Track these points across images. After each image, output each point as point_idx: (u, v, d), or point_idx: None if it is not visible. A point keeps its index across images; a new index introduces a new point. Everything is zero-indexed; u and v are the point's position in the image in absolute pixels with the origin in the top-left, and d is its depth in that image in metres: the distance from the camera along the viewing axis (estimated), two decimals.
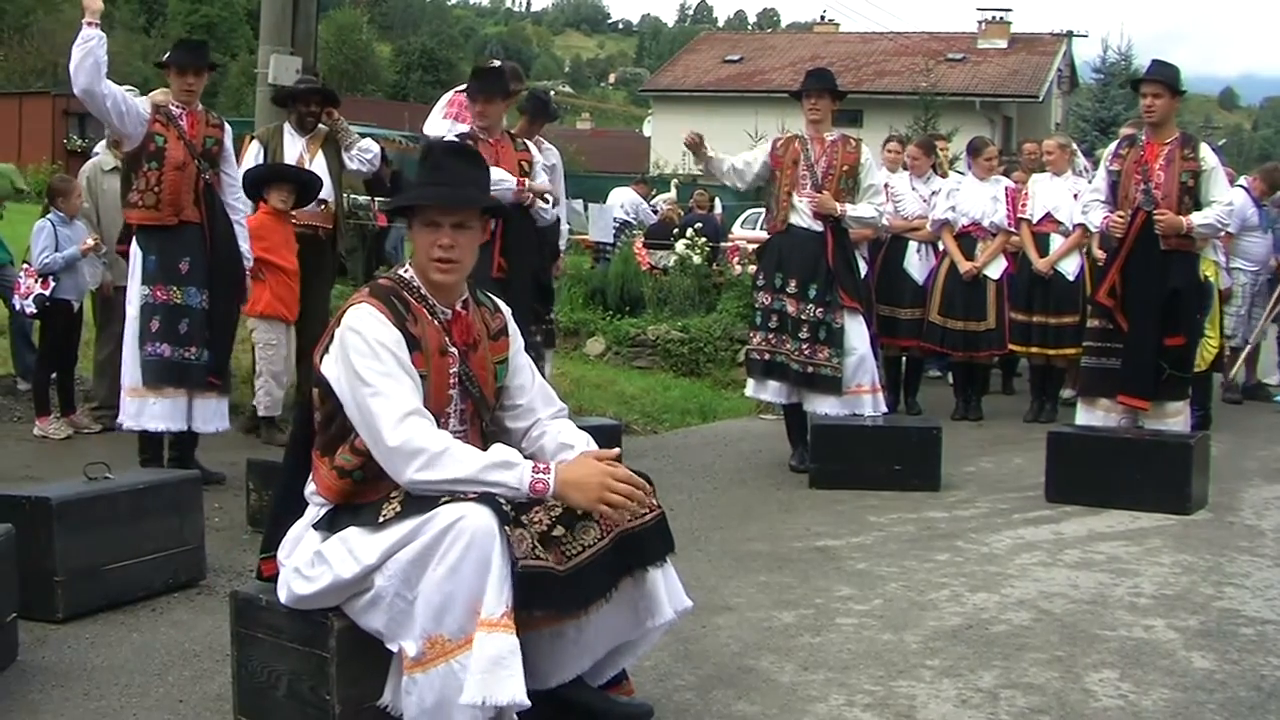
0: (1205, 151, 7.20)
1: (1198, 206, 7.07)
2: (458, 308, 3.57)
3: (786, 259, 7.42)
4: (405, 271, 3.56)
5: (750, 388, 7.78)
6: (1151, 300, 7.05)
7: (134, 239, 6.42)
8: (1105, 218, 7.24)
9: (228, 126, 6.68)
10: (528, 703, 3.10)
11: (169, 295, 6.30)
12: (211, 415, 6.48)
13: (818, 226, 7.35)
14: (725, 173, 7.67)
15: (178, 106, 6.42)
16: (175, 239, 6.35)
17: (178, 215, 6.33)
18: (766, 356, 7.47)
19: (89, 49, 5.85)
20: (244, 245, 6.65)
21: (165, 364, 6.27)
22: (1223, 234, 8.35)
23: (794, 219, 7.42)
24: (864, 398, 7.36)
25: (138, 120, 6.23)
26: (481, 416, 3.60)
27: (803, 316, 7.31)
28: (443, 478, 3.23)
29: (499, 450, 3.35)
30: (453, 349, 3.51)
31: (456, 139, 6.67)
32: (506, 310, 3.76)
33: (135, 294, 6.38)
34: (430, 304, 3.50)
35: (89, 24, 5.84)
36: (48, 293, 7.59)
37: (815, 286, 7.31)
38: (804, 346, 7.29)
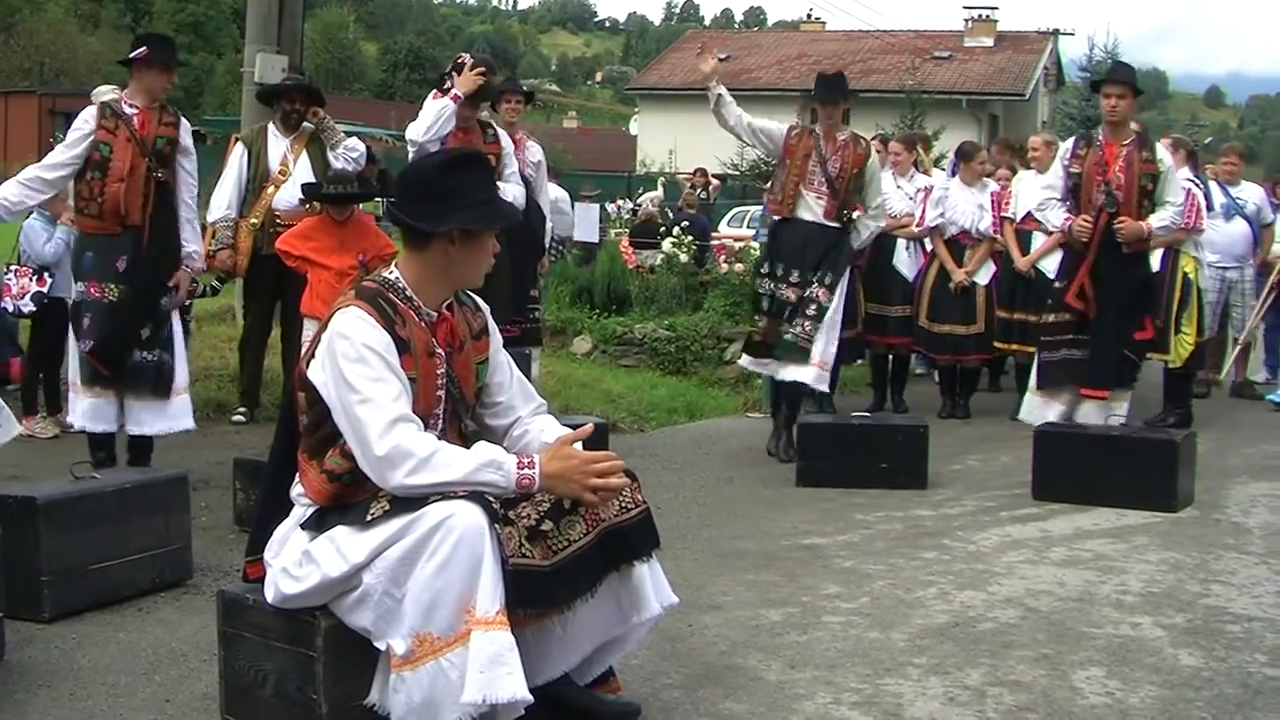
0: (1161, 152, 7.47)
1: (1154, 207, 7.28)
2: (443, 310, 3.55)
3: (789, 251, 7.55)
4: (390, 273, 3.53)
5: (746, 360, 7.93)
6: (1119, 296, 7.26)
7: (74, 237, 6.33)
8: (1067, 218, 7.35)
9: (185, 122, 6.34)
10: (530, 698, 3.11)
11: (103, 293, 6.05)
12: (153, 417, 6.21)
13: (833, 224, 7.50)
14: (735, 122, 7.55)
15: (130, 105, 6.13)
16: (114, 239, 6.10)
17: (122, 224, 6.07)
18: (758, 339, 7.69)
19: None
20: (192, 245, 6.36)
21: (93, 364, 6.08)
22: (1181, 232, 8.46)
23: (801, 212, 7.52)
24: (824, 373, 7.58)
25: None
26: (460, 417, 3.58)
27: (807, 295, 7.45)
28: (431, 481, 3.22)
29: (484, 449, 3.34)
30: (439, 351, 3.50)
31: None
32: (486, 309, 3.76)
33: (72, 289, 6.27)
34: (416, 306, 3.48)
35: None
36: (45, 289, 7.56)
37: (816, 274, 7.46)
38: (806, 324, 7.43)
